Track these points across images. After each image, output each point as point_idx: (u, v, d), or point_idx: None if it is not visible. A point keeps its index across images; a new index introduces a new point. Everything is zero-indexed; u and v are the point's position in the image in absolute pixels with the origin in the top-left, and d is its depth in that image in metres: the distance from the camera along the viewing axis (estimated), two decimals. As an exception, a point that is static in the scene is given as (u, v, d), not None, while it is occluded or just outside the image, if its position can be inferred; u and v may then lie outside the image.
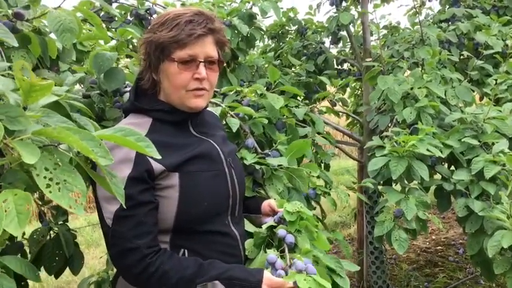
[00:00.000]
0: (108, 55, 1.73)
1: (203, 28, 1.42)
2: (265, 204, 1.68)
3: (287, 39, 4.51)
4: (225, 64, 2.85)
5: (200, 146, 1.52)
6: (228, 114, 2.00)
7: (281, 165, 1.89)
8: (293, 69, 4.14)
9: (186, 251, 1.46)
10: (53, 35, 1.67)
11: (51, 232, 1.80)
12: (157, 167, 1.39)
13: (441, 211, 2.57)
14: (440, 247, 5.15)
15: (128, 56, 2.03)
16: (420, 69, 2.99)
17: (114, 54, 1.74)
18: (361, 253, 3.98)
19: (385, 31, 4.42)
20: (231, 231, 1.56)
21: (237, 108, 2.01)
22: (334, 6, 3.67)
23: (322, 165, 3.23)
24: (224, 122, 1.98)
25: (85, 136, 0.88)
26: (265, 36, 4.62)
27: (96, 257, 5.17)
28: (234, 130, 1.89)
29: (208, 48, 1.45)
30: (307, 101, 2.90)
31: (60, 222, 1.83)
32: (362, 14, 3.55)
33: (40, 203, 1.88)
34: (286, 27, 4.60)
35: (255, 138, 2.04)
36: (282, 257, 1.43)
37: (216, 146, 1.57)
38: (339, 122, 6.91)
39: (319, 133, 2.46)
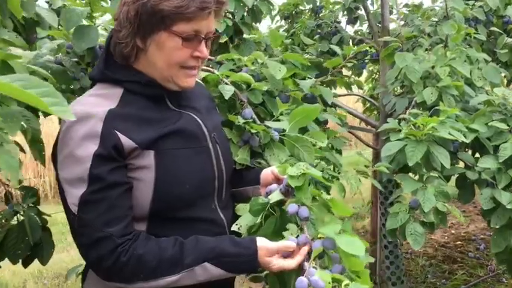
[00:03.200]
0: (78, 10, 1.53)
1: (215, 3, 1.22)
2: (267, 173, 1.44)
3: (301, 19, 4.25)
4: (226, 39, 2.65)
5: (179, 121, 1.31)
6: (222, 81, 1.76)
7: (283, 131, 1.65)
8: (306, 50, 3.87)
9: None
10: None
11: (19, 215, 1.61)
12: (127, 143, 1.18)
13: (463, 203, 2.31)
14: (459, 242, 4.87)
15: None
16: (443, 46, 2.70)
17: (85, 10, 1.53)
18: (375, 246, 3.74)
19: (405, 10, 4.13)
20: (217, 217, 1.36)
21: (233, 75, 1.77)
22: (350, -20, 3.39)
23: (334, 151, 3.01)
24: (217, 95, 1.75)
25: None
26: (277, 16, 4.39)
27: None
28: (227, 97, 1.67)
29: (211, 24, 1.27)
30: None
31: (29, 205, 1.63)
32: (381, -13, 3.26)
33: (7, 183, 1.68)
34: (300, 7, 4.34)
35: (254, 110, 1.81)
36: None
37: (197, 119, 1.36)
38: (355, 109, 6.65)
39: (327, 107, 2.20)
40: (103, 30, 1.66)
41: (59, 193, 1.21)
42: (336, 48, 2.17)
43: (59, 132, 1.22)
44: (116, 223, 1.16)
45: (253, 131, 1.65)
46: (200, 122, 1.35)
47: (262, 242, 1.20)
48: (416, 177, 2.17)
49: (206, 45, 1.29)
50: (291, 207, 1.22)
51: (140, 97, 1.28)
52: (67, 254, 4.82)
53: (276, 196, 1.27)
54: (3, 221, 1.54)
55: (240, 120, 1.67)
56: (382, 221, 3.52)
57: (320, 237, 1.19)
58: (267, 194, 1.31)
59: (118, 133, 1.18)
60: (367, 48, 4.05)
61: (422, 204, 1.96)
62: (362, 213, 5.76)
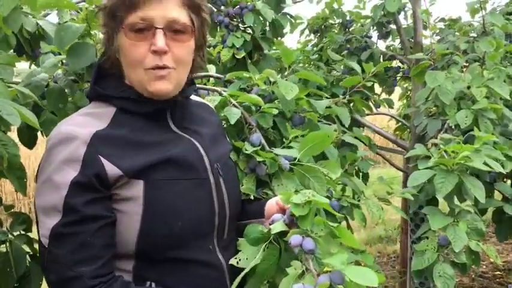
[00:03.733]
0: (74, 27, 1.41)
1: None
2: (271, 204, 1.27)
3: (330, 33, 4.08)
4: (244, 54, 2.50)
5: (177, 146, 1.15)
6: (230, 103, 1.62)
7: (293, 159, 1.49)
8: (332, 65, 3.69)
9: (152, 284, 1.11)
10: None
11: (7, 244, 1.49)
12: (112, 171, 1.04)
13: (500, 240, 2.07)
14: (499, 272, 4.56)
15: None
16: (480, 64, 2.48)
17: (81, 27, 1.41)
18: (404, 277, 3.49)
19: (442, 25, 3.89)
20: (215, 259, 1.19)
21: (240, 97, 1.62)
22: (380, -7, 3.20)
23: (360, 174, 2.80)
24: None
25: None
26: (306, 30, 4.24)
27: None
28: (232, 122, 1.51)
29: (170, 10, 1.08)
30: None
31: (16, 233, 1.52)
32: (413, 1, 3.06)
33: (-3, 208, 1.58)
34: (330, 21, 4.16)
35: (263, 134, 1.65)
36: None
37: (198, 146, 1.20)
38: (388, 127, 6.37)
39: (345, 130, 2.02)
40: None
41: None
42: (355, 66, 1.99)
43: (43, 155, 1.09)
44: (89, 262, 1.02)
45: (260, 159, 1.48)
46: (201, 150, 1.19)
47: None
48: (447, 209, 1.95)
49: (174, 40, 1.10)
50: (294, 238, 1.07)
51: (137, 117, 1.14)
52: None
53: (278, 226, 1.12)
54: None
55: (247, 148, 1.52)
56: (412, 250, 3.29)
57: (326, 271, 1.02)
58: (270, 224, 1.15)
59: (102, 159, 1.04)
60: (400, 64, 3.86)
61: (452, 242, 1.75)
62: (394, 236, 5.47)
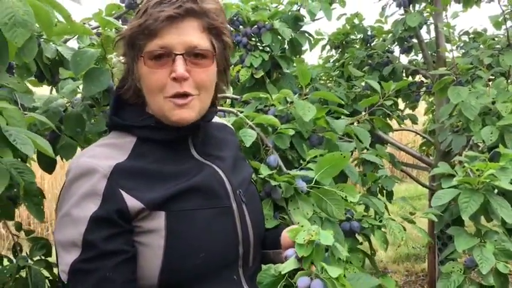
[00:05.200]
0: (89, 52, 1.42)
1: (176, 8, 1.03)
2: (286, 234, 1.19)
3: (351, 48, 4.06)
4: (262, 74, 2.50)
5: (198, 174, 1.11)
6: (246, 125, 1.60)
7: (310, 181, 1.47)
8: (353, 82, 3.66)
9: None
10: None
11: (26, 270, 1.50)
12: (133, 204, 1.01)
13: (530, 262, 1.98)
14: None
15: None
16: (505, 79, 2.41)
17: (96, 52, 1.42)
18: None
19: (466, 38, 3.83)
20: None
21: (257, 118, 1.60)
22: (401, 8, 3.16)
23: (384, 192, 2.75)
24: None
25: None
26: (327, 45, 4.23)
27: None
28: (248, 144, 1.49)
29: (189, 36, 1.06)
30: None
31: (36, 258, 1.53)
32: (435, 16, 3.02)
33: (16, 233, 1.59)
34: (351, 36, 4.14)
35: (280, 155, 1.63)
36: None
37: (220, 173, 1.16)
38: (414, 142, 6.25)
39: (366, 149, 1.99)
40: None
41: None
42: (374, 84, 1.96)
43: (62, 187, 1.09)
44: None
45: (275, 183, 1.46)
46: (223, 176, 1.16)
47: None
48: (473, 229, 1.89)
49: (195, 64, 1.08)
50: (301, 281, 1.02)
51: (157, 146, 1.12)
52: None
53: (290, 265, 1.07)
54: (7, 276, 1.43)
55: (263, 172, 1.49)
56: (440, 269, 3.19)
57: None
58: (285, 259, 1.11)
59: (123, 193, 1.02)
60: (423, 79, 3.80)
61: (479, 264, 1.68)
62: (422, 254, 5.33)
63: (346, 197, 1.46)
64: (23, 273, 1.54)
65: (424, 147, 4.14)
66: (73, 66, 1.45)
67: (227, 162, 1.21)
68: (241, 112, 1.71)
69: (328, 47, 4.25)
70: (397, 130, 3.34)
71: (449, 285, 1.74)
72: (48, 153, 1.15)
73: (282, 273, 1.05)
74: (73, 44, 2.07)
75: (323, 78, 3.88)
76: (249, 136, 1.54)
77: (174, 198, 1.06)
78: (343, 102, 2.01)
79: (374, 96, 1.91)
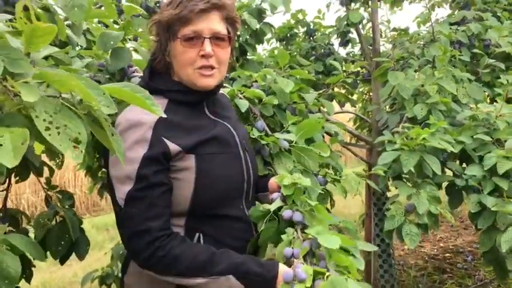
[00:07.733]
0: (114, 33, 1.72)
1: (206, 3, 1.39)
2: (273, 181, 1.61)
3: (295, 41, 4.51)
4: (234, 58, 2.86)
5: (215, 128, 1.49)
6: (237, 96, 1.97)
7: (291, 141, 1.85)
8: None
9: (200, 234, 1.43)
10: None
11: (57, 217, 1.77)
12: (173, 147, 1.36)
13: (452, 208, 2.50)
14: (448, 254, 5.07)
15: (135, 39, 2.01)
16: (431, 66, 2.95)
17: (120, 33, 1.72)
18: (369, 257, 3.92)
19: (394, 33, 4.40)
20: (245, 216, 1.52)
21: (246, 91, 1.98)
22: (344, 6, 3.65)
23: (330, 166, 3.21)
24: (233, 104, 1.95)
25: (89, 84, 0.85)
26: (273, 38, 4.64)
27: (99, 259, 5.12)
28: (243, 110, 1.86)
29: (214, 23, 1.42)
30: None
31: (66, 207, 1.80)
32: (372, 14, 3.53)
33: (46, 187, 1.85)
34: (295, 30, 4.59)
35: (265, 122, 2.01)
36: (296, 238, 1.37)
37: (230, 128, 1.54)
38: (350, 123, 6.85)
39: (328, 120, 2.41)
40: (133, 51, 1.85)
41: (108, 189, 1.37)
42: (336, 64, 2.40)
43: None
44: (156, 219, 1.31)
45: (264, 142, 1.83)
46: (233, 130, 1.53)
47: (283, 268, 1.31)
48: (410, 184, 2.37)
49: (217, 45, 1.41)
50: (286, 213, 1.41)
51: (182, 107, 1.46)
52: (69, 269, 4.92)
53: (276, 204, 1.46)
54: (46, 220, 1.70)
55: (254, 133, 1.86)
56: (376, 231, 3.72)
57: (310, 238, 1.35)
58: (272, 201, 1.50)
59: (165, 140, 1.35)
60: (359, 68, 4.33)
61: (417, 207, 2.16)
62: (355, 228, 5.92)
63: (319, 153, 1.88)
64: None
65: (358, 130, 4.69)
66: (101, 45, 1.73)
67: (232, 120, 1.60)
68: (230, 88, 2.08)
69: (273, 40, 4.67)
70: (339, 113, 3.82)
71: (393, 224, 2.19)
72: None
73: (271, 210, 1.44)
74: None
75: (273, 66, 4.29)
76: (243, 104, 1.91)
77: (201, 144, 1.42)
78: (314, 79, 2.43)
79: (338, 76, 2.35)
